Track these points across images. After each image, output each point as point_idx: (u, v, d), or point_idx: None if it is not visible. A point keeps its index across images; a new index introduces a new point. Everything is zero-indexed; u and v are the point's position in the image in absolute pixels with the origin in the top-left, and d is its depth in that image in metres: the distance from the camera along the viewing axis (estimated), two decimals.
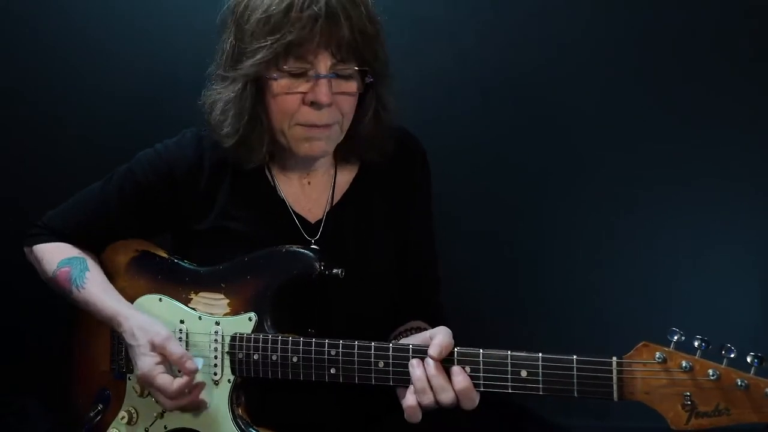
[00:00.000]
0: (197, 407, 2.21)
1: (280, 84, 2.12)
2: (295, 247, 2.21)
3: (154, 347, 2.16)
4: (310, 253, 2.20)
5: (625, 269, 3.30)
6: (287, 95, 2.13)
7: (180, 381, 2.13)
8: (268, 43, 2.06)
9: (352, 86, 2.15)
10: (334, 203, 2.34)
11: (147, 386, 2.21)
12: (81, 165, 3.18)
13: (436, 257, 2.50)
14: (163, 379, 2.13)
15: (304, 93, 2.11)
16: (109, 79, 3.31)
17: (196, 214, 2.32)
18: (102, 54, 3.31)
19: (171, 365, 2.17)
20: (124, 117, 3.30)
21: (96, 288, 2.31)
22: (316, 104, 2.11)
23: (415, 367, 1.98)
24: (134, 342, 2.19)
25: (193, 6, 3.10)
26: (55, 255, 2.39)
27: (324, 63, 2.09)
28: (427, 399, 1.97)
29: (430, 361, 1.97)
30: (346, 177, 2.36)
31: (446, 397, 1.96)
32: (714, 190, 3.23)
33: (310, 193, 2.34)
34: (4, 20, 3.31)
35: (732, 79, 3.17)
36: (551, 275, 3.35)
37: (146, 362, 2.15)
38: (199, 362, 2.18)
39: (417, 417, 2.00)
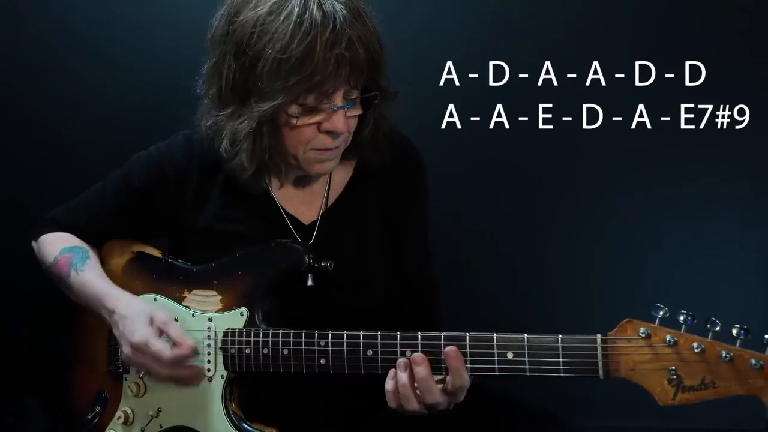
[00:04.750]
0: (191, 381, 2.20)
1: (296, 117, 2.10)
2: (284, 241, 2.23)
3: (153, 322, 2.15)
4: (299, 246, 2.21)
5: (624, 270, 3.30)
6: (305, 127, 2.12)
7: (177, 350, 2.11)
8: (290, 84, 2.02)
9: (359, 109, 2.16)
10: (328, 205, 2.34)
11: (140, 356, 2.15)
12: (81, 165, 3.20)
13: (432, 261, 2.48)
14: (161, 345, 2.11)
15: (320, 122, 2.11)
16: (108, 79, 3.32)
17: (188, 216, 2.33)
18: (102, 54, 3.33)
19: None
20: (123, 117, 3.32)
21: (94, 272, 2.33)
22: (333, 133, 2.12)
23: (401, 371, 2.00)
24: (132, 313, 2.17)
25: (194, 6, 3.11)
26: (58, 243, 2.41)
27: (339, 94, 2.08)
28: (411, 405, 1.98)
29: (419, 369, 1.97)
30: (340, 179, 2.36)
31: (431, 398, 1.97)
32: (713, 190, 3.23)
33: (303, 195, 2.35)
34: (4, 20, 3.33)
35: (732, 78, 3.16)
36: (550, 276, 3.35)
37: (144, 332, 2.13)
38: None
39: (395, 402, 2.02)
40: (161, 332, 2.15)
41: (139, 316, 2.17)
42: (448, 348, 1.97)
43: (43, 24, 3.32)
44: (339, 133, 2.11)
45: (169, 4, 3.29)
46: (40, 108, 3.35)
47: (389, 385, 2.01)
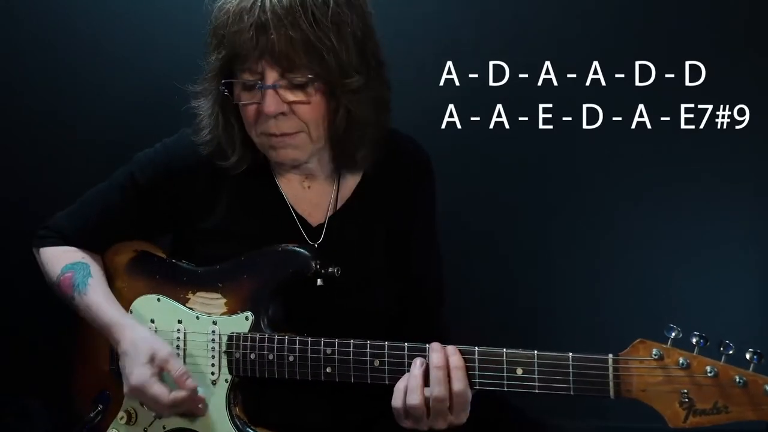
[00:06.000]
0: (193, 413, 2.22)
1: (238, 95, 2.14)
2: (291, 246, 2.22)
3: (154, 360, 2.15)
4: (306, 252, 2.20)
5: (624, 269, 3.30)
6: (246, 106, 2.14)
7: (176, 394, 2.13)
8: (213, 57, 2.12)
9: (307, 95, 2.11)
10: (337, 208, 2.33)
11: (139, 396, 2.19)
12: (81, 165, 3.20)
13: (439, 267, 2.49)
14: (159, 389, 2.13)
15: (259, 103, 2.11)
16: (109, 79, 3.32)
17: (197, 214, 2.32)
18: (102, 54, 3.32)
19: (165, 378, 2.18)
20: (123, 117, 3.31)
21: (98, 295, 2.32)
22: (265, 114, 2.10)
23: (417, 366, 2.00)
24: (133, 351, 2.18)
25: (194, 6, 3.11)
26: (59, 260, 2.39)
27: (270, 74, 2.07)
28: (415, 399, 1.98)
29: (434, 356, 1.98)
30: (349, 183, 2.35)
31: (439, 391, 1.96)
32: (713, 190, 3.23)
33: (311, 196, 2.34)
34: (4, 20, 3.32)
35: (732, 78, 3.16)
36: (549, 275, 3.34)
37: (142, 373, 2.14)
38: (199, 390, 2.19)
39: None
40: (162, 369, 2.16)
41: (139, 354, 2.17)
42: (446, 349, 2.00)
43: (43, 24, 3.31)
44: (267, 114, 2.09)
45: (169, 4, 3.28)
46: (41, 108, 3.34)
47: (400, 383, 2.02)
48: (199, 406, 2.21)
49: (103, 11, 3.31)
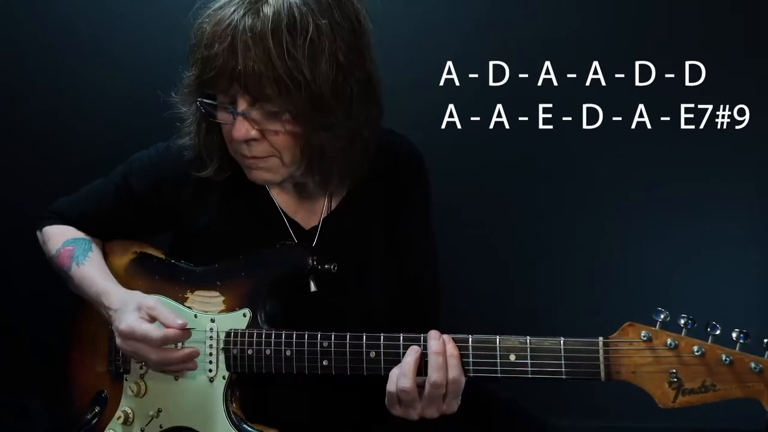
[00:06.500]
0: (186, 364, 2.19)
1: (218, 114, 2.11)
2: (288, 242, 2.24)
3: (141, 308, 2.16)
4: (303, 248, 2.21)
5: (624, 270, 3.31)
6: (225, 126, 2.12)
7: (167, 330, 2.11)
8: (191, 73, 2.10)
9: (278, 124, 2.06)
10: (331, 209, 2.33)
11: (129, 340, 2.15)
12: (81, 165, 3.18)
13: (435, 265, 2.48)
14: (147, 326, 2.12)
15: (231, 125, 2.09)
16: (108, 79, 3.34)
17: (190, 218, 2.33)
18: (102, 54, 3.34)
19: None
20: (123, 117, 3.32)
21: (94, 267, 2.34)
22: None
23: (411, 353, 2.00)
24: (122, 305, 2.19)
25: (195, 6, 3.11)
26: (62, 235, 2.43)
27: (241, 101, 2.04)
28: (406, 382, 1.97)
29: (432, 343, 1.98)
30: (342, 187, 2.34)
31: (437, 377, 1.96)
32: (713, 190, 3.24)
33: (304, 200, 2.34)
34: (4, 20, 3.34)
35: (732, 78, 3.17)
36: (549, 275, 3.35)
37: (131, 317, 2.14)
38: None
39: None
40: (152, 318, 2.16)
41: (128, 306, 2.18)
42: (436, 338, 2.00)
43: (43, 24, 3.33)
44: (236, 140, 2.07)
45: (169, 4, 3.28)
46: (40, 108, 3.35)
47: (395, 369, 2.02)
48: (193, 360, 2.19)
49: (103, 11, 3.33)
